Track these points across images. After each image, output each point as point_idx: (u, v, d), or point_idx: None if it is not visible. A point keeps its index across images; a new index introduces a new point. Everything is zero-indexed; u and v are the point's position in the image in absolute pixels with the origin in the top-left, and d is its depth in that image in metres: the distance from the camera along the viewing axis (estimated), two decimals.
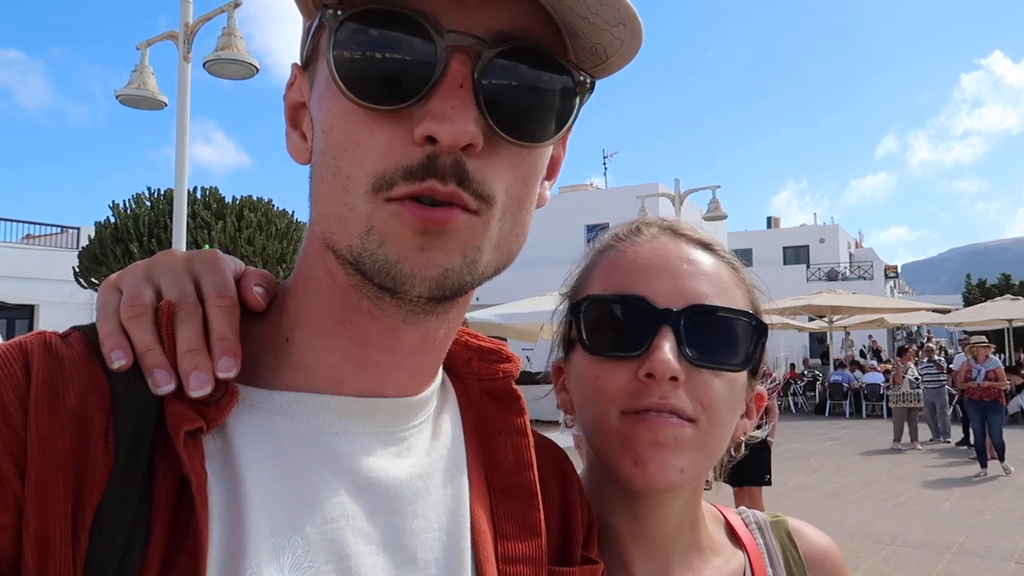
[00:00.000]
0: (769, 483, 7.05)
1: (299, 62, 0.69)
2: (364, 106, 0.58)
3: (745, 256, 48.14)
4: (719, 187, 18.59)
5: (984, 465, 11.85)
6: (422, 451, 0.70)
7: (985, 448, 12.05)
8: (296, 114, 0.70)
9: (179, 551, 0.55)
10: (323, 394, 0.66)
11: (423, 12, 0.57)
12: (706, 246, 0.92)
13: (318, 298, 0.66)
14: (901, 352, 17.35)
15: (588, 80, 0.63)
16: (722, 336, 0.85)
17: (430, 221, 0.57)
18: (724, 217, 18.61)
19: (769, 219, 57.16)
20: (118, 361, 0.59)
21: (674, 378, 0.80)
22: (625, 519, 0.90)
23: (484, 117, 0.58)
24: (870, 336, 29.91)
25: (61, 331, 0.63)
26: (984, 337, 14.16)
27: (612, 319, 0.86)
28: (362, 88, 0.58)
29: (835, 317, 23.54)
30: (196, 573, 0.54)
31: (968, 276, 42.11)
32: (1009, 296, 24.95)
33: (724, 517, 1.02)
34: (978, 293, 36.98)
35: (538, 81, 0.60)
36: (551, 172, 0.72)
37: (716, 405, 0.84)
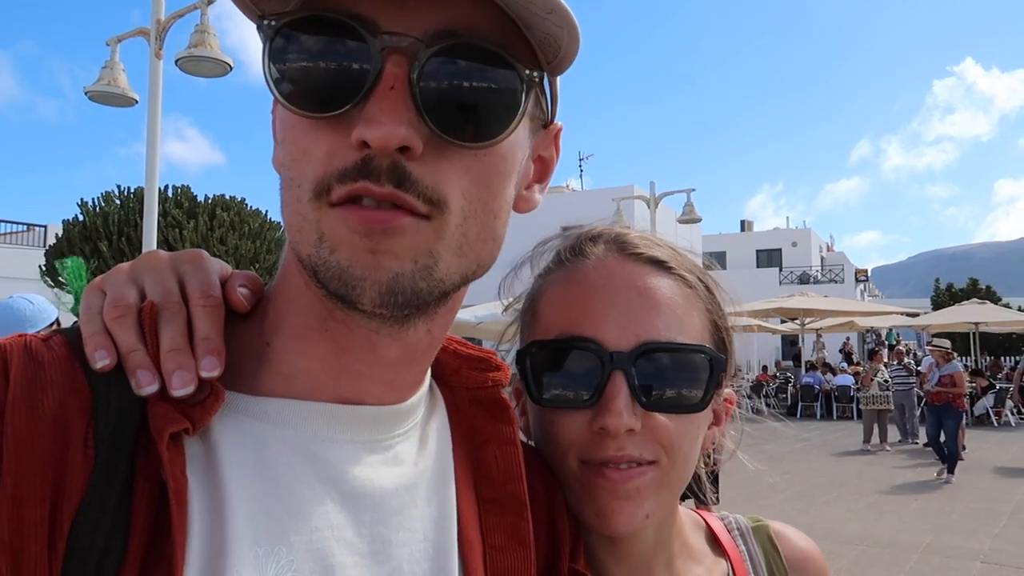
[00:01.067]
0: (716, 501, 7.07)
1: None
2: (303, 115, 0.58)
3: (719, 259, 48.56)
4: (694, 190, 18.75)
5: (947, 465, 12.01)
6: (409, 460, 0.69)
7: (943, 449, 12.14)
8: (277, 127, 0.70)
9: (158, 559, 0.54)
10: (304, 400, 0.64)
11: (359, 16, 0.56)
12: (658, 263, 0.85)
13: (296, 305, 0.65)
14: (871, 355, 17.60)
15: (536, 74, 0.61)
16: (677, 375, 0.80)
17: (372, 221, 0.56)
18: (699, 220, 18.77)
19: (743, 222, 57.79)
20: (101, 361, 0.58)
21: (630, 429, 0.77)
22: (603, 539, 0.87)
23: (423, 119, 0.56)
24: (847, 339, 30.32)
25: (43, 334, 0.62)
26: (946, 341, 14.43)
27: (560, 365, 0.81)
28: (300, 97, 0.57)
29: (807, 320, 23.82)
30: None
31: (937, 280, 42.88)
32: (976, 300, 25.47)
33: (706, 523, 1.00)
34: (946, 297, 37.66)
35: (480, 79, 0.58)
36: (541, 175, 0.71)
37: (676, 444, 0.80)
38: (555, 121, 0.71)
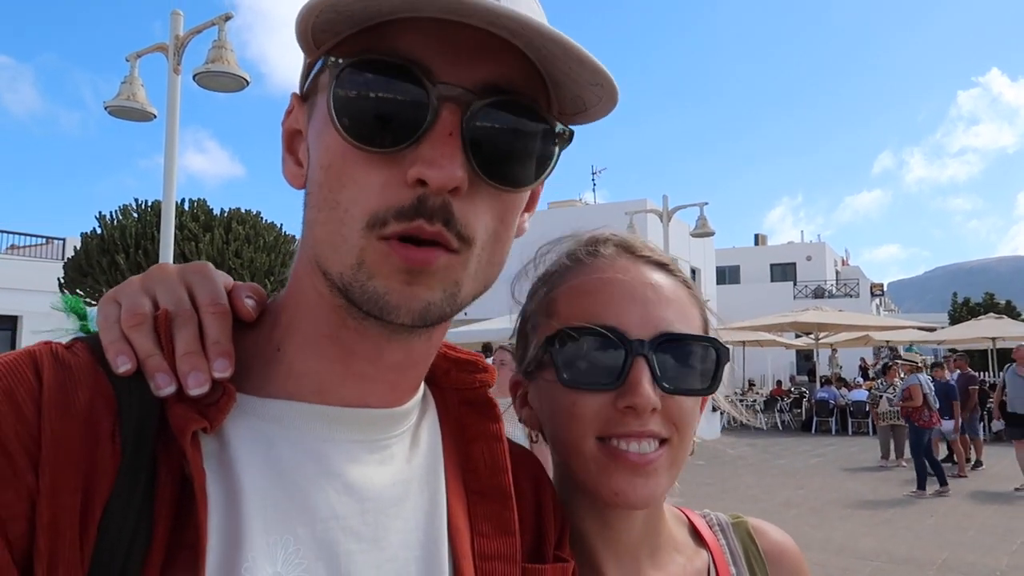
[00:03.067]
0: None
1: (299, 92, 0.73)
2: (361, 148, 0.62)
3: (733, 273, 48.45)
4: (707, 204, 18.72)
5: (944, 483, 11.89)
6: (402, 459, 0.75)
7: (937, 464, 12.08)
8: (292, 140, 0.75)
9: (180, 546, 0.59)
10: (310, 403, 0.70)
11: (418, 63, 0.62)
12: (663, 267, 0.96)
13: (308, 313, 0.70)
14: (885, 370, 17.44)
15: (566, 131, 0.68)
16: (691, 362, 0.89)
17: (414, 261, 0.62)
18: (711, 234, 18.73)
19: (757, 236, 57.56)
20: (123, 366, 0.63)
21: (654, 409, 0.85)
22: (595, 525, 0.95)
23: (470, 162, 0.63)
24: (862, 358, 30.08)
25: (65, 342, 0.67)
26: (918, 356, 14.30)
27: (586, 351, 0.89)
28: (359, 131, 0.62)
29: (821, 334, 23.67)
30: (196, 566, 0.58)
31: (955, 295, 42.48)
32: (993, 315, 25.22)
33: (687, 518, 1.07)
34: (964, 312, 37.29)
35: (520, 130, 0.65)
36: (530, 205, 0.78)
37: (687, 423, 0.90)
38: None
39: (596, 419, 0.87)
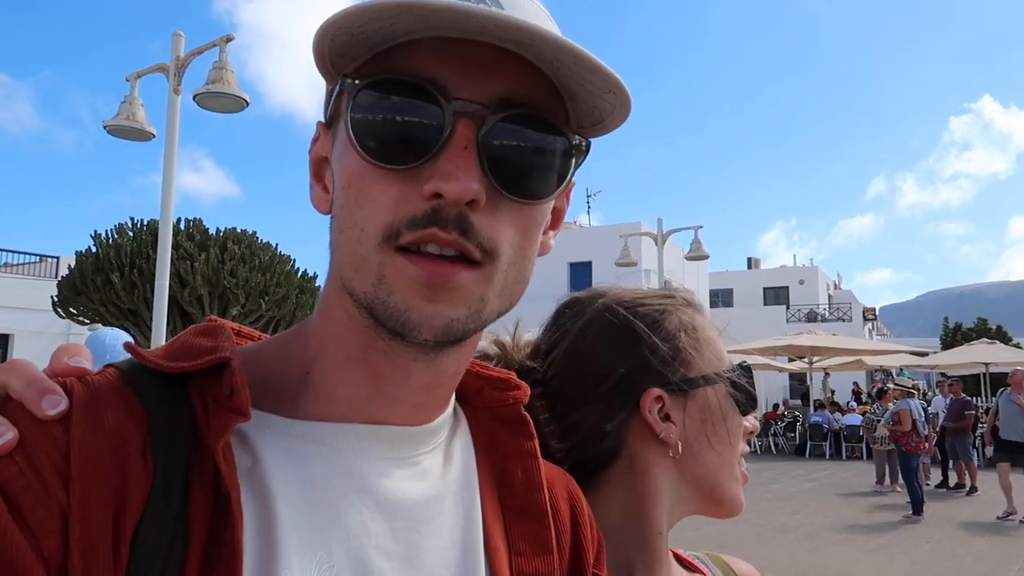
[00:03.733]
0: None
1: (323, 120, 0.75)
2: (378, 165, 0.64)
3: (726, 296, 48.53)
4: (701, 227, 18.82)
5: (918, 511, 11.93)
6: (435, 474, 0.75)
7: (916, 492, 12.12)
8: (319, 168, 0.76)
9: (215, 562, 0.59)
10: (339, 422, 0.70)
11: (433, 80, 0.63)
12: None
13: (337, 335, 0.71)
14: (880, 394, 17.45)
15: (583, 142, 0.69)
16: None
17: (433, 274, 0.62)
18: (706, 257, 18.80)
19: (750, 260, 57.76)
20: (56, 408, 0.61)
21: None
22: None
23: (487, 176, 0.63)
24: (856, 382, 30.12)
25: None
26: (909, 380, 14.36)
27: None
28: (377, 149, 0.64)
29: (815, 358, 23.70)
30: None
31: (946, 319, 42.64)
32: (986, 340, 25.32)
33: (674, 553, 1.13)
34: (956, 336, 37.43)
35: (537, 143, 0.66)
36: (555, 222, 0.78)
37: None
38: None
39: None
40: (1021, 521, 11.09)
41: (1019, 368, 13.48)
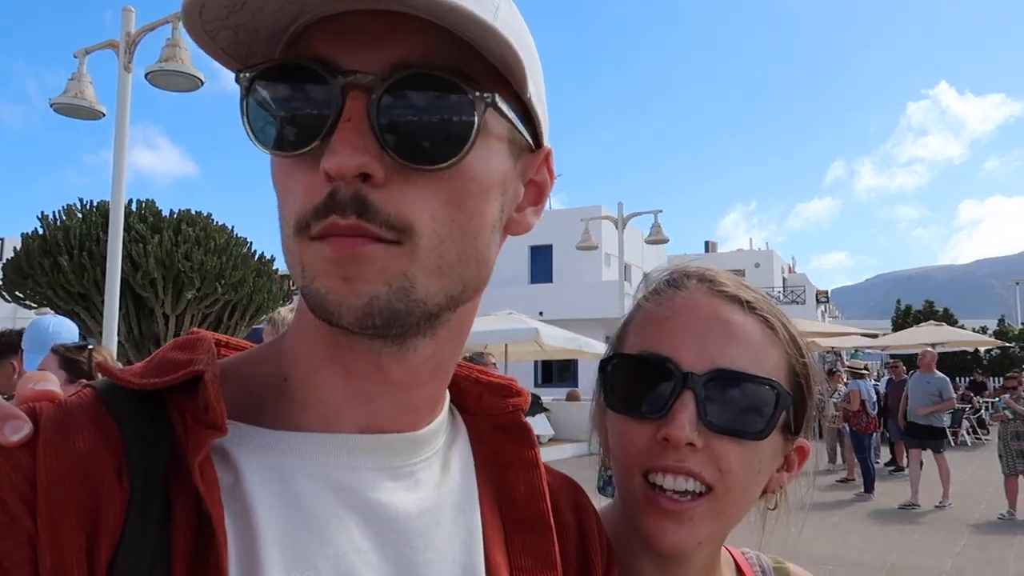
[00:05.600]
0: None
1: None
2: (280, 155, 0.62)
3: None
4: (661, 211, 19.01)
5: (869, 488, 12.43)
6: (431, 485, 0.72)
7: (869, 471, 12.61)
8: None
9: None
10: (323, 432, 0.67)
11: (322, 59, 0.60)
12: (742, 302, 0.91)
13: (308, 336, 0.68)
14: (830, 375, 17.88)
15: (487, 95, 0.62)
16: (743, 402, 0.85)
17: (340, 248, 0.59)
18: (666, 241, 19.01)
19: (707, 243, 58.62)
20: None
21: (691, 444, 0.82)
22: (649, 564, 0.92)
23: (383, 147, 0.59)
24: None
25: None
26: (861, 362, 14.71)
27: (637, 379, 0.88)
28: (276, 139, 0.62)
29: None
30: None
31: (898, 302, 43.83)
32: (933, 322, 26.10)
33: (733, 559, 1.06)
34: (906, 319, 38.53)
35: (431, 104, 0.60)
36: (536, 198, 0.74)
37: (735, 470, 0.85)
38: (544, 144, 0.73)
39: (641, 451, 0.85)
40: (1004, 515, 10.82)
41: (928, 349, 13.81)
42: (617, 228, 19.72)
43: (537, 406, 15.73)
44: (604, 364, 0.93)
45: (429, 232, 0.61)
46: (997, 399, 13.40)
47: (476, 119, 0.61)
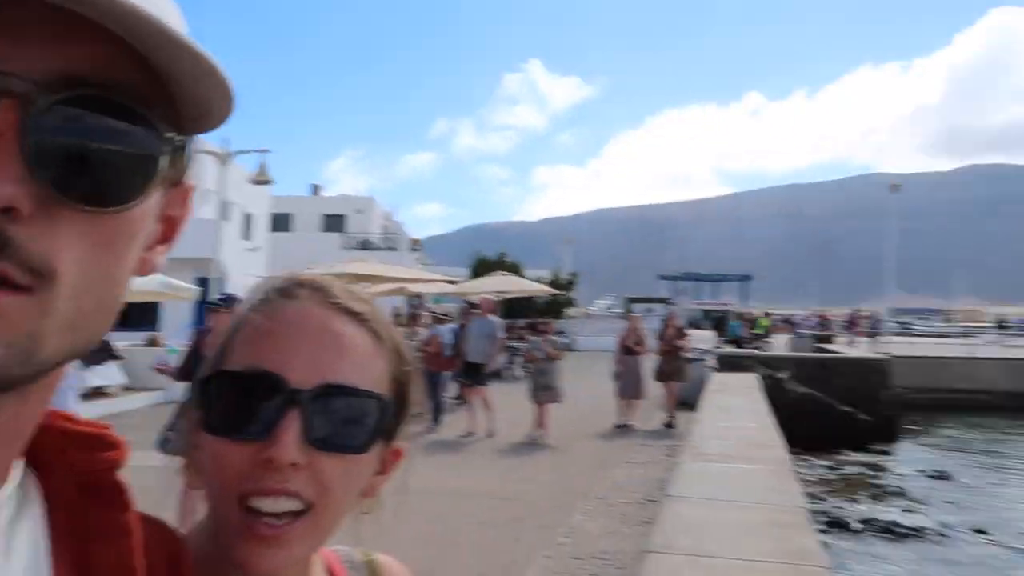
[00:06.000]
0: None
1: None
2: None
3: (285, 221, 48.39)
4: (268, 151, 18.65)
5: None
6: None
7: (439, 407, 14.17)
8: None
9: None
10: None
11: None
12: (355, 315, 0.88)
13: None
14: (412, 319, 19.33)
15: (178, 139, 0.54)
16: (348, 418, 0.82)
17: None
18: (270, 182, 18.76)
19: (314, 187, 58.30)
20: None
21: (295, 464, 0.78)
22: None
23: (33, 175, 0.47)
24: (395, 307, 32.96)
25: None
26: (444, 308, 16.24)
27: (239, 397, 0.81)
28: None
29: (365, 285, 25.20)
30: None
31: (478, 252, 48.55)
32: (501, 272, 29.86)
33: (326, 560, 1.03)
34: (482, 268, 43.14)
35: (110, 136, 0.50)
36: (167, 235, 0.62)
37: (335, 487, 0.82)
38: (188, 180, 0.63)
39: (240, 475, 0.79)
40: (533, 436, 13.07)
41: (488, 296, 15.77)
42: (221, 164, 18.81)
43: (106, 353, 14.29)
44: (204, 383, 0.85)
45: (71, 279, 0.49)
46: (531, 341, 15.58)
47: (159, 164, 0.53)
